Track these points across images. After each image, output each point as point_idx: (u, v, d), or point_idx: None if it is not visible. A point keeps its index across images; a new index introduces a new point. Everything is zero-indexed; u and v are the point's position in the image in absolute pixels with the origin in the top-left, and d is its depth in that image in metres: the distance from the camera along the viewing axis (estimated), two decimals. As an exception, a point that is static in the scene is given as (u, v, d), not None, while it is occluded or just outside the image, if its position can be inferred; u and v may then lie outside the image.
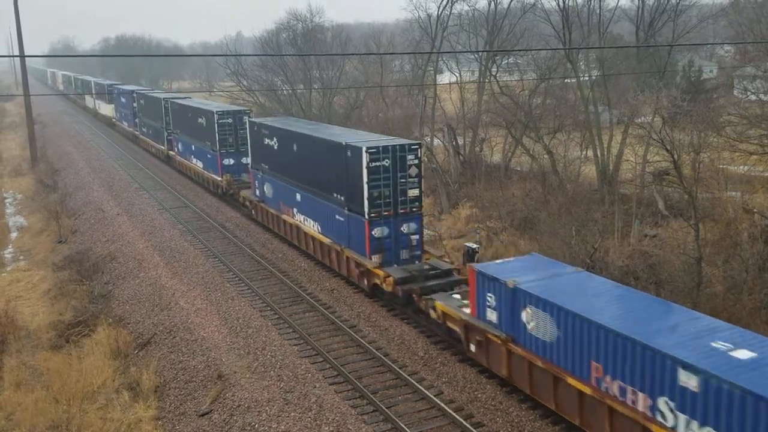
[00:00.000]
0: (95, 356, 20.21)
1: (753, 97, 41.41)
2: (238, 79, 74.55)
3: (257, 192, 32.23)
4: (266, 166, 30.60)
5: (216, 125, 38.17)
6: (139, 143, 59.69)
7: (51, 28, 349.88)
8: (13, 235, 37.92)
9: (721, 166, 35.20)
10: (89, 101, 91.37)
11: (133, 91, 60.74)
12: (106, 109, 75.57)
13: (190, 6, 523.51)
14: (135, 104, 58.88)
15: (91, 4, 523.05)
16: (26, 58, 63.84)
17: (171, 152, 48.94)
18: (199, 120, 40.81)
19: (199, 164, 42.44)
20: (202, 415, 16.93)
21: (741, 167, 36.38)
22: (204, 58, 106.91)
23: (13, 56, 22.13)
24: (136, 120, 59.24)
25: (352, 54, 64.70)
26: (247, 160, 33.41)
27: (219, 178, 38.53)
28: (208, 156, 40.21)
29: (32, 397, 17.96)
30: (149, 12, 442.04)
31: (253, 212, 33.35)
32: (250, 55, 71.93)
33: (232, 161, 38.39)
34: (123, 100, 65.22)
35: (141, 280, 26.58)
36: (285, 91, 68.36)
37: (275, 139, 29.02)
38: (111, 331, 21.60)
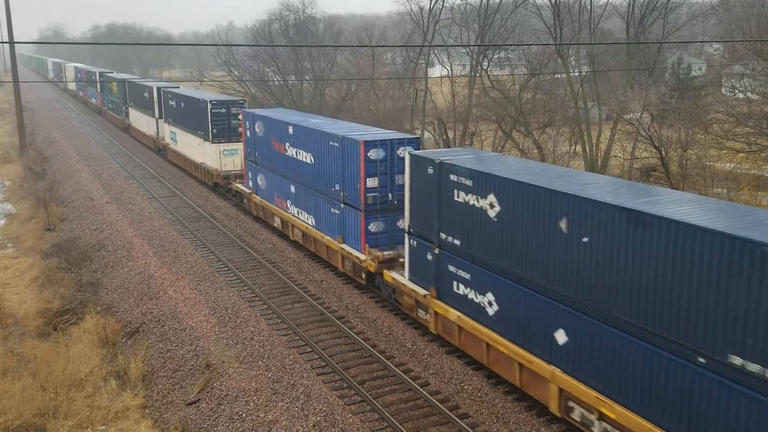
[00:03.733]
0: (83, 344, 20.21)
1: (741, 96, 41.77)
2: (230, 69, 74.44)
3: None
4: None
5: None
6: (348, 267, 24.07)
7: (40, 15, 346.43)
8: (1, 222, 37.74)
9: (708, 163, 35.53)
10: (138, 119, 53.19)
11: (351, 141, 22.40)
12: (204, 154, 37.19)
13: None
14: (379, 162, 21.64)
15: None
16: (15, 45, 63.35)
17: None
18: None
19: None
20: (190, 404, 17.02)
21: (728, 165, 36.71)
22: (195, 47, 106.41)
23: (2, 42, 21.95)
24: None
25: (344, 46, 64.63)
26: None
27: None
28: None
29: (19, 385, 17.93)
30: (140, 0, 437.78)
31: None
32: (241, 45, 71.68)
33: None
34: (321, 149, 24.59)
35: (130, 269, 26.58)
36: (276, 82, 68.26)
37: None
38: (99, 320, 21.61)
